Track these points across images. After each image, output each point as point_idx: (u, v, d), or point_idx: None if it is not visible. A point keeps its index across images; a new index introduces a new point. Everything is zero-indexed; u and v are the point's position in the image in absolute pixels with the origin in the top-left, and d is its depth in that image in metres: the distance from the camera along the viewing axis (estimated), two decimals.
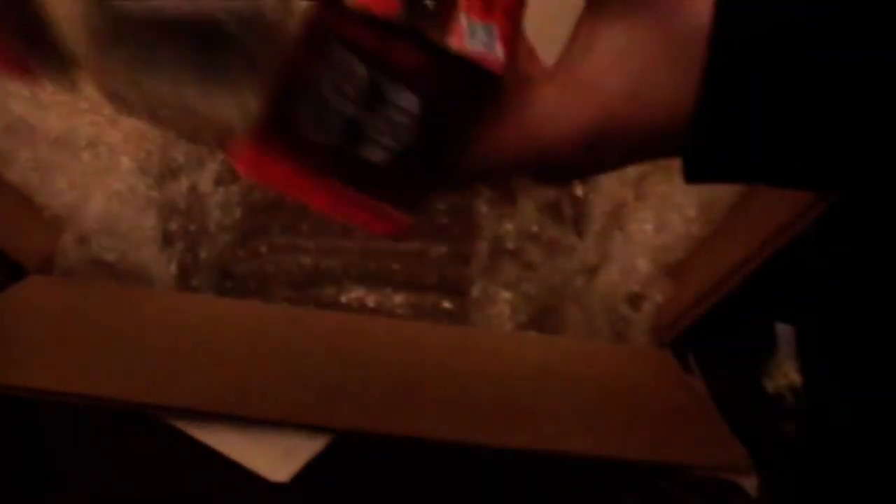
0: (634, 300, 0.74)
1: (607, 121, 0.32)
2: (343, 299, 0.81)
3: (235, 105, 0.35)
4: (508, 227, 0.82)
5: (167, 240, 0.76)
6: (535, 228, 0.81)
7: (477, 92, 0.32)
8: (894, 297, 0.49)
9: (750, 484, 0.55)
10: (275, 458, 0.51)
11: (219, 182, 0.81)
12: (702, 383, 0.67)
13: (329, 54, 0.32)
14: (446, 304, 0.82)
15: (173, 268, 0.76)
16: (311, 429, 0.53)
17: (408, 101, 0.33)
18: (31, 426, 0.66)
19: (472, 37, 0.32)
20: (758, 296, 0.71)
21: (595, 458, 0.55)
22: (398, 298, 0.81)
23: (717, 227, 0.71)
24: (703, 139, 0.31)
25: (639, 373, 0.67)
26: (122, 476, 0.64)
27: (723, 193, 0.70)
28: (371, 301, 0.81)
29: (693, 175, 0.33)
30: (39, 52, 0.36)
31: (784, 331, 0.83)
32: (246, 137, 0.34)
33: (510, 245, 0.82)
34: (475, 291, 0.82)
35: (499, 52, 0.32)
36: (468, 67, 0.32)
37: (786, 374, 0.81)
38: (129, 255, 0.71)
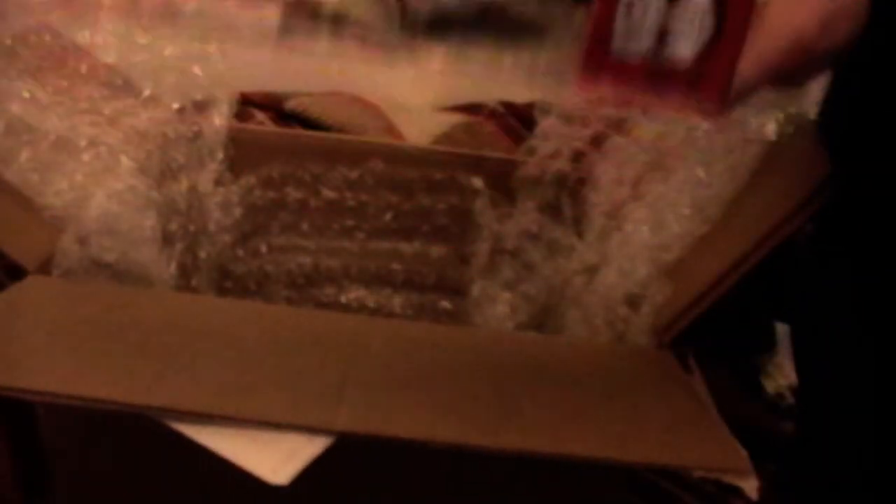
0: (633, 300, 0.74)
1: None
2: (343, 299, 0.81)
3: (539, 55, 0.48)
4: (508, 227, 0.82)
5: (167, 240, 0.76)
6: (534, 228, 0.81)
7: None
8: (888, 293, 0.49)
9: (750, 485, 0.55)
10: (274, 460, 0.50)
11: (219, 182, 0.81)
12: (702, 383, 0.67)
13: None
14: (446, 304, 0.82)
15: (173, 268, 0.76)
16: (311, 430, 0.52)
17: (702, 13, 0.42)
18: (31, 426, 0.66)
19: None
20: (757, 296, 0.71)
21: (595, 459, 0.55)
22: (398, 298, 0.81)
23: (713, 226, 0.71)
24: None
25: (639, 373, 0.67)
26: (121, 476, 0.64)
27: (718, 192, 0.70)
28: (371, 301, 0.81)
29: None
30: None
31: (784, 331, 0.83)
32: (574, 64, 0.44)
33: (510, 245, 0.82)
34: (475, 291, 0.82)
35: None
36: None
37: (786, 374, 0.81)
38: (129, 255, 0.71)
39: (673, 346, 0.70)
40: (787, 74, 0.45)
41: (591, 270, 0.78)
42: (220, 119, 0.80)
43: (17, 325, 0.60)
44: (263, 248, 0.82)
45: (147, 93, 0.78)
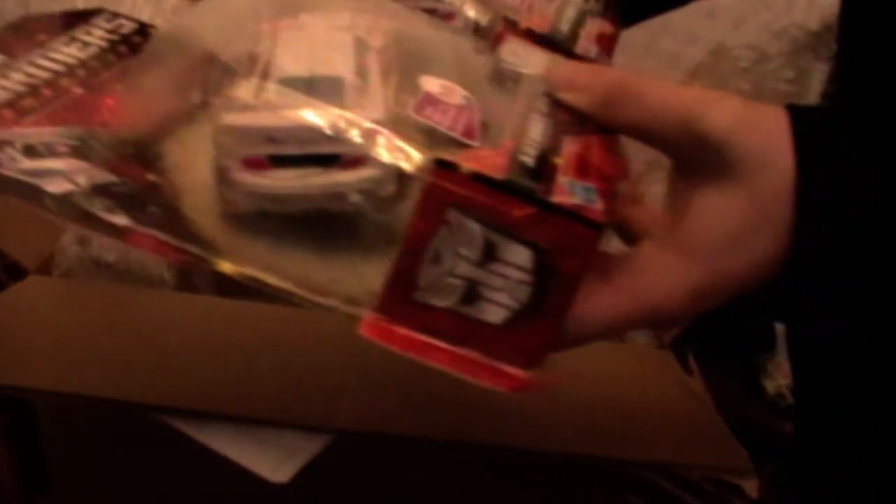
0: None
1: (710, 275, 0.35)
2: None
3: (358, 279, 0.38)
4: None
5: None
6: None
7: (582, 240, 0.34)
8: (887, 292, 0.49)
9: (750, 484, 0.55)
10: (275, 458, 0.50)
11: None
12: (702, 383, 0.67)
13: (446, 218, 0.35)
14: None
15: (173, 268, 0.76)
16: (311, 429, 0.52)
17: (520, 255, 0.35)
18: (31, 426, 0.66)
19: (572, 194, 0.34)
20: (757, 296, 0.71)
21: (595, 458, 0.55)
22: None
23: None
24: (798, 289, 0.35)
25: (639, 373, 0.67)
26: (122, 476, 0.64)
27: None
28: None
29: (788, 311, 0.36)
30: (179, 241, 0.39)
31: (784, 331, 0.83)
32: (370, 306, 0.36)
33: None
34: None
35: (599, 205, 0.34)
36: (572, 216, 0.34)
37: (786, 374, 0.81)
38: (129, 255, 0.71)
39: (673, 346, 0.70)
40: (650, 326, 0.40)
41: None
42: None
43: (17, 324, 0.60)
44: None
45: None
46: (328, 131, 0.37)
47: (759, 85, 0.83)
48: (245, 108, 0.37)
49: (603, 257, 0.36)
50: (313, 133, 0.36)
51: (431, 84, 0.37)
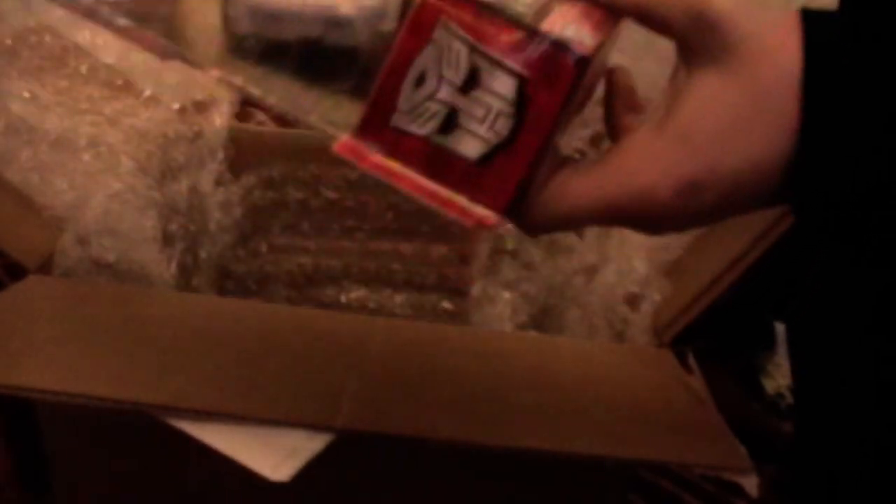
0: (633, 300, 0.74)
1: (701, 165, 0.33)
2: (343, 299, 0.81)
3: (343, 112, 0.38)
4: (508, 227, 0.82)
5: (167, 240, 0.76)
6: None
7: (565, 71, 0.34)
8: (887, 291, 0.49)
9: (750, 484, 0.55)
10: (275, 457, 0.50)
11: (219, 182, 0.81)
12: (702, 383, 0.67)
13: (434, 37, 0.35)
14: (446, 304, 0.82)
15: (173, 268, 0.76)
16: (311, 429, 0.52)
17: (503, 84, 0.35)
18: (31, 426, 0.66)
19: (562, 28, 0.34)
20: (756, 295, 0.71)
21: (595, 458, 0.55)
22: (398, 298, 0.81)
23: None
24: (806, 186, 0.32)
25: (639, 373, 0.67)
26: (122, 476, 0.64)
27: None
28: (371, 301, 0.81)
29: (800, 213, 0.34)
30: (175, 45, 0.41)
31: (784, 331, 0.83)
32: (349, 129, 0.37)
33: (510, 245, 0.82)
34: (475, 291, 0.82)
35: (587, 43, 0.34)
36: (559, 46, 0.34)
37: (786, 374, 0.81)
38: (129, 255, 0.72)
39: (673, 345, 0.70)
40: (637, 223, 0.36)
41: (591, 270, 0.78)
42: (220, 119, 0.80)
43: (17, 324, 0.60)
44: (264, 248, 0.82)
45: (147, 93, 0.78)
46: None
47: None
48: None
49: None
50: None
51: None
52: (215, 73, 0.40)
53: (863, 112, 0.31)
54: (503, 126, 0.35)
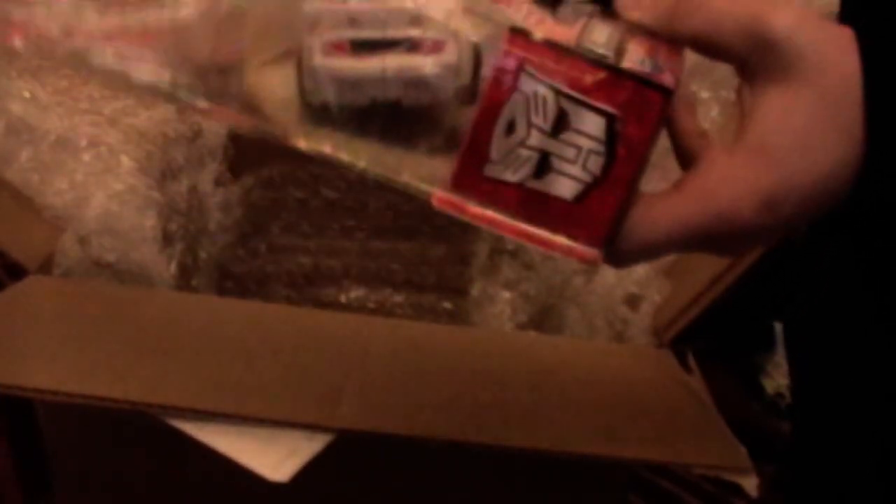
0: (633, 300, 0.74)
1: (780, 179, 0.34)
2: (343, 299, 0.81)
3: (428, 169, 0.38)
4: None
5: (167, 240, 0.76)
6: None
7: (652, 105, 0.35)
8: (885, 292, 0.49)
9: (750, 484, 0.55)
10: (275, 458, 0.50)
11: (219, 182, 0.81)
12: (702, 383, 0.67)
13: (519, 86, 0.36)
14: (446, 304, 0.82)
15: (173, 268, 0.76)
16: (311, 429, 0.52)
17: (593, 124, 0.36)
18: (31, 426, 0.66)
19: (641, 63, 0.35)
20: (756, 295, 0.72)
21: (595, 458, 0.55)
22: (398, 298, 0.81)
23: None
24: (871, 192, 0.34)
25: (639, 373, 0.67)
26: (121, 476, 0.64)
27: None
28: (371, 301, 0.81)
29: (860, 225, 0.36)
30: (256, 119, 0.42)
31: (783, 330, 0.83)
32: (443, 182, 0.38)
33: (510, 245, 0.82)
34: (475, 291, 0.82)
35: (668, 75, 0.35)
36: (642, 80, 0.35)
37: (786, 374, 0.81)
38: (129, 255, 0.72)
39: (673, 345, 0.70)
40: (718, 245, 0.37)
41: (591, 270, 0.78)
42: None
43: (17, 324, 0.60)
44: (263, 248, 0.82)
45: None
46: (408, 14, 0.37)
47: None
48: None
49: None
50: (394, 16, 0.37)
51: None
52: (302, 144, 0.41)
53: None
54: (595, 164, 0.36)
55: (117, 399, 0.53)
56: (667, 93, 0.35)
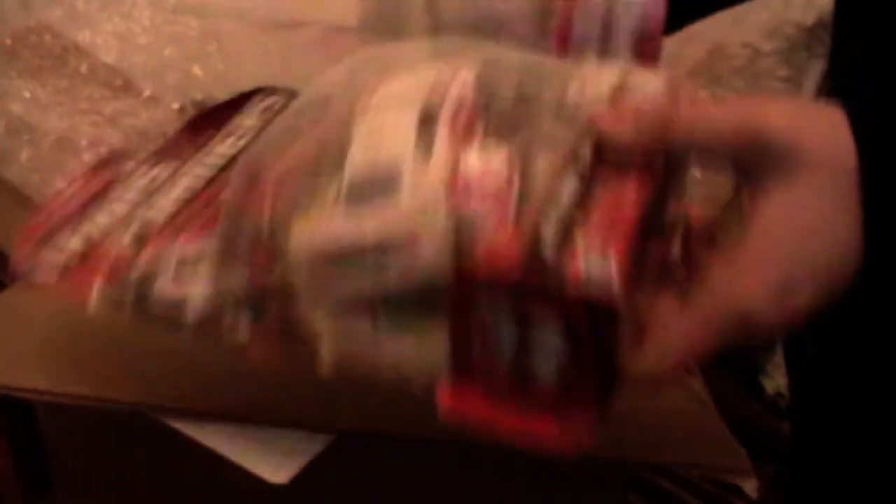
0: None
1: (793, 270, 0.34)
2: None
3: (431, 352, 0.41)
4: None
5: None
6: None
7: (601, 316, 0.36)
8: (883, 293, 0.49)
9: (749, 484, 0.55)
10: (275, 458, 0.50)
11: None
12: (702, 383, 0.67)
13: (480, 305, 0.38)
14: None
15: None
16: (311, 429, 0.52)
17: (551, 332, 0.37)
18: (31, 426, 0.66)
19: (592, 265, 0.35)
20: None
21: (595, 458, 0.55)
22: None
23: None
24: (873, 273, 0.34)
25: None
26: (122, 476, 0.64)
27: (715, 190, 0.70)
28: None
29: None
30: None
31: None
32: (441, 382, 0.40)
33: None
34: None
35: (615, 277, 0.35)
36: (589, 295, 0.35)
37: (785, 374, 0.81)
38: None
39: None
40: (743, 343, 0.36)
41: None
42: None
43: (16, 324, 0.60)
44: None
45: (147, 93, 0.78)
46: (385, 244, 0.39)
47: (753, 83, 0.83)
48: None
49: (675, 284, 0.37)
50: (376, 241, 0.39)
51: (472, 164, 0.39)
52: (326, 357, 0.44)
53: None
54: (565, 354, 0.37)
55: (117, 399, 0.53)
56: (613, 298, 0.35)
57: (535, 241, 0.36)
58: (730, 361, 0.79)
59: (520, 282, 0.36)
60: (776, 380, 0.81)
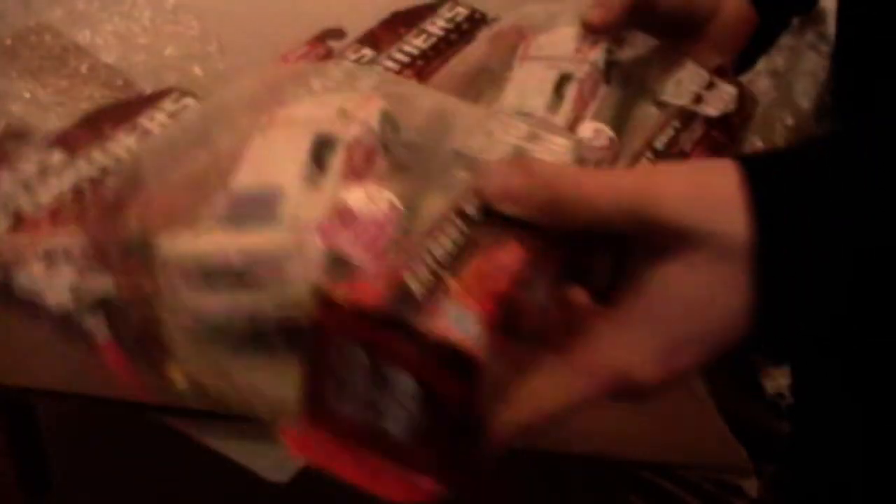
0: None
1: (674, 339, 0.35)
2: None
3: (286, 387, 0.38)
4: None
5: None
6: None
7: (460, 376, 0.34)
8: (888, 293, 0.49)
9: (749, 484, 0.55)
10: (275, 458, 0.50)
11: None
12: (702, 383, 0.67)
13: (335, 347, 0.35)
14: None
15: None
16: None
17: (406, 384, 0.35)
18: (31, 426, 0.66)
19: (454, 323, 0.34)
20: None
21: (595, 458, 0.55)
22: None
23: None
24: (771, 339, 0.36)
25: None
26: (121, 476, 0.64)
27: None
28: None
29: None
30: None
31: None
32: (294, 416, 0.38)
33: None
34: None
35: (479, 337, 0.34)
36: (448, 352, 0.34)
37: (786, 373, 0.81)
38: None
39: None
40: (626, 399, 0.37)
41: None
42: None
43: (17, 324, 0.60)
44: None
45: (147, 93, 0.78)
46: (252, 262, 0.38)
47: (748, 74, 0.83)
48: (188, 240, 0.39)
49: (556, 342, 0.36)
50: (243, 264, 0.38)
51: (356, 201, 0.38)
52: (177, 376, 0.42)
53: (806, 275, 0.34)
54: (418, 418, 0.35)
55: (117, 399, 0.53)
56: (473, 362, 0.34)
57: (401, 289, 0.35)
58: (730, 361, 0.79)
59: (379, 328, 0.35)
60: (776, 380, 0.81)
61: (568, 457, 0.55)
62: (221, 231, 0.39)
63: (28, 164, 0.52)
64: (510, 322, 0.35)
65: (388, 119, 0.43)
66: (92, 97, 0.76)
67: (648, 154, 0.46)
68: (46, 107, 0.74)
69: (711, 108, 0.47)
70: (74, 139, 0.53)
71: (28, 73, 0.75)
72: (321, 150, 0.41)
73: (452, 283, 0.35)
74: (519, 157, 0.40)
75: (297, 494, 0.50)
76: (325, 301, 0.35)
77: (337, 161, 0.41)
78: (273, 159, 0.41)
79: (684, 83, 0.48)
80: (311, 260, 0.37)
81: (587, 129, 0.45)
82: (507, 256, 0.36)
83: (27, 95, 0.73)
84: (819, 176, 0.35)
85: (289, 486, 0.49)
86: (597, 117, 0.46)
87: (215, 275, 0.38)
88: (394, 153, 0.42)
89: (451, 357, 0.34)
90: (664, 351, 0.35)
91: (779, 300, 0.34)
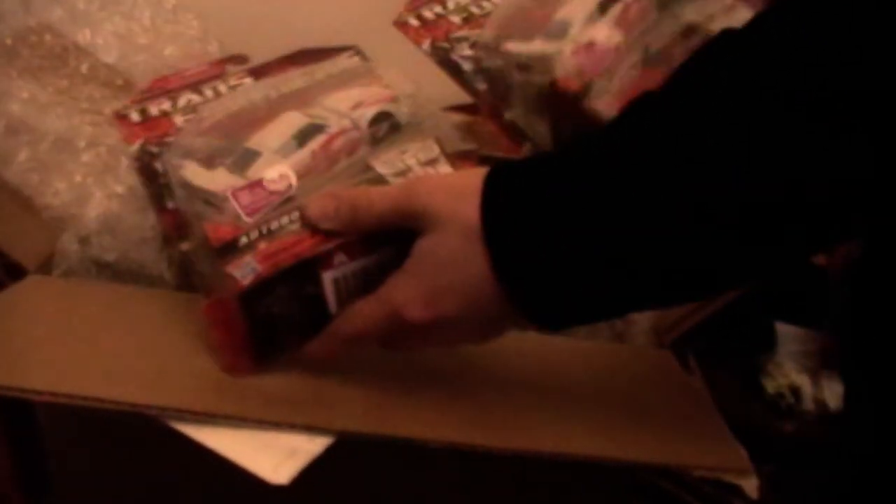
0: None
1: (434, 286, 0.51)
2: None
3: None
4: None
5: (167, 240, 0.76)
6: None
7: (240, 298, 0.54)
8: None
9: (750, 485, 0.55)
10: (275, 459, 0.50)
11: None
12: (702, 383, 0.67)
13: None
14: None
15: (173, 268, 0.76)
16: (311, 430, 0.52)
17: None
18: (31, 426, 0.66)
19: (242, 269, 0.54)
20: (757, 296, 0.71)
21: (596, 459, 0.55)
22: None
23: None
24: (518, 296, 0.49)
25: (639, 373, 0.67)
26: (121, 476, 0.64)
27: None
28: None
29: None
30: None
31: (784, 331, 0.83)
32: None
33: None
34: None
35: (250, 280, 0.53)
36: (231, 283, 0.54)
37: (786, 374, 0.81)
38: (129, 255, 0.71)
39: (673, 346, 0.70)
40: (398, 341, 0.55)
41: None
42: None
43: (17, 324, 0.60)
44: None
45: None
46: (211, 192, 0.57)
47: None
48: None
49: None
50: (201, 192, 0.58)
51: (271, 172, 0.57)
52: None
53: (527, 248, 0.48)
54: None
55: (117, 399, 0.53)
56: (240, 290, 0.54)
57: (234, 238, 0.54)
58: (730, 361, 0.79)
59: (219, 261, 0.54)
60: (776, 380, 0.81)
61: (567, 457, 0.55)
62: (225, 171, 0.58)
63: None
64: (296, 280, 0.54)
65: (383, 118, 0.59)
66: (92, 97, 0.76)
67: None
68: (46, 107, 0.74)
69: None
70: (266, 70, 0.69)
71: (28, 73, 0.75)
72: (307, 133, 0.59)
73: (262, 246, 0.54)
74: (331, 189, 0.55)
75: (297, 494, 0.50)
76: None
77: (315, 144, 0.58)
78: (275, 131, 0.59)
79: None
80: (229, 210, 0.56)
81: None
82: (299, 247, 0.54)
83: (27, 95, 0.73)
84: (545, 170, 0.48)
85: (289, 487, 0.49)
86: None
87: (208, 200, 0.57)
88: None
89: (235, 290, 0.54)
90: (426, 296, 0.50)
91: (509, 270, 0.48)
